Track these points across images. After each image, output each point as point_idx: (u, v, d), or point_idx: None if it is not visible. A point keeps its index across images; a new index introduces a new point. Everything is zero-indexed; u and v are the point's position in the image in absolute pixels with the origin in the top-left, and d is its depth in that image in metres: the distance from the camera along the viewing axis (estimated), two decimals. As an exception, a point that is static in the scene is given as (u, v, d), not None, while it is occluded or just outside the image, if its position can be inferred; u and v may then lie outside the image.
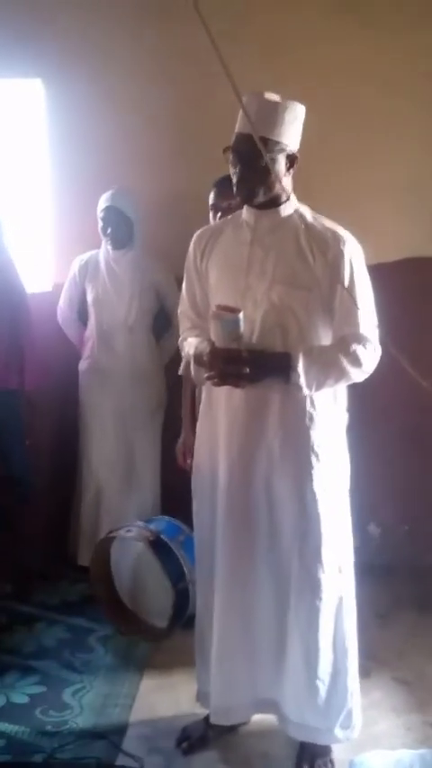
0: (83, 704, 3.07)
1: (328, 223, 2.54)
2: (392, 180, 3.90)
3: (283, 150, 2.45)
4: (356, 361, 2.46)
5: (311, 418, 2.54)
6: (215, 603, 2.69)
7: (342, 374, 2.47)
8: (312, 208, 2.60)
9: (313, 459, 2.54)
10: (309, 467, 2.54)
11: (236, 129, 2.47)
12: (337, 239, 2.47)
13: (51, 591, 3.96)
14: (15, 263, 3.64)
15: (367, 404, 2.89)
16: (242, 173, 2.46)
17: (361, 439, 2.79)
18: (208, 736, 2.84)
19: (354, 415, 2.70)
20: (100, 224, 3.91)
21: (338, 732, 2.69)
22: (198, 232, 2.72)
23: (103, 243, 3.97)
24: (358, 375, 2.51)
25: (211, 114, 2.90)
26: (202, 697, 2.86)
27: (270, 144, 2.40)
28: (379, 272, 2.70)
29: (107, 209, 3.85)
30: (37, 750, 2.80)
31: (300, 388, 2.43)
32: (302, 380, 2.41)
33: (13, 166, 4.16)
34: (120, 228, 3.88)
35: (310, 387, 2.44)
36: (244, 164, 2.44)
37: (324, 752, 2.73)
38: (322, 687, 2.64)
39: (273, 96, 2.45)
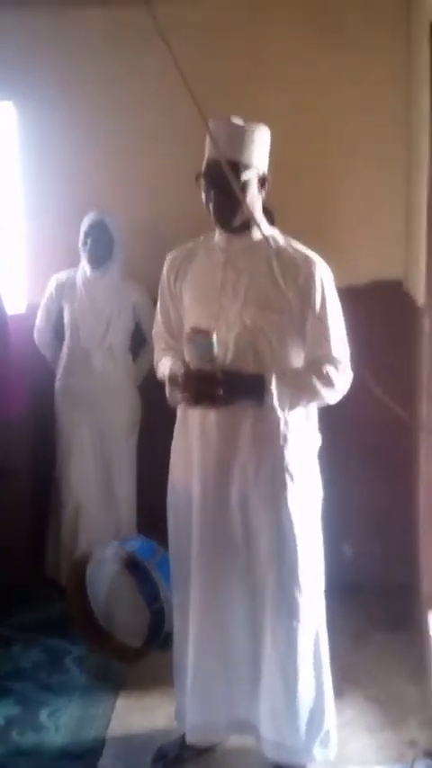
0: (59, 725, 3.07)
1: (299, 246, 2.58)
2: (361, 201, 3.92)
3: (255, 172, 2.50)
4: (329, 383, 2.50)
5: (285, 438, 2.56)
6: (191, 623, 2.70)
7: (315, 395, 2.51)
8: (280, 230, 2.64)
9: (287, 478, 2.56)
10: (283, 487, 2.56)
11: (206, 155, 2.51)
12: (308, 262, 2.52)
13: (29, 611, 3.94)
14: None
15: (338, 424, 2.91)
16: (218, 199, 2.48)
17: (333, 459, 2.82)
18: (184, 756, 2.83)
19: (325, 435, 2.72)
20: (81, 238, 3.87)
21: (317, 752, 2.70)
22: (171, 255, 2.75)
23: (82, 261, 3.95)
24: (331, 396, 2.55)
25: (184, 137, 2.93)
26: (179, 716, 2.85)
27: (241, 167, 2.45)
28: (348, 295, 2.74)
29: (93, 224, 3.83)
30: (13, 772, 2.80)
31: (273, 408, 2.46)
32: (276, 401, 2.45)
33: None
34: (100, 244, 3.85)
35: (283, 407, 2.47)
36: (219, 189, 2.45)
37: (299, 772, 2.74)
38: (301, 708, 2.64)
39: (238, 120, 2.50)
